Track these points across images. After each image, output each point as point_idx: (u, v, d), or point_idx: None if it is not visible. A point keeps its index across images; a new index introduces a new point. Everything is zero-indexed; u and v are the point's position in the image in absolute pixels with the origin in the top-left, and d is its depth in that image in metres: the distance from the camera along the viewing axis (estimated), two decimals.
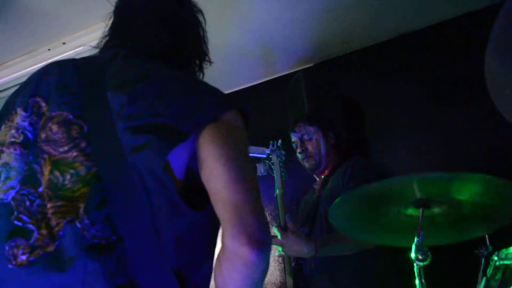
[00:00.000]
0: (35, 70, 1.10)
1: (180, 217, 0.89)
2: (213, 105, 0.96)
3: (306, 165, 2.35)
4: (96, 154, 0.89)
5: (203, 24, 1.23)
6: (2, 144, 0.96)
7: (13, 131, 0.96)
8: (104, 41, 1.17)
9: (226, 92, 3.52)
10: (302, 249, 1.91)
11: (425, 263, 1.43)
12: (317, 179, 2.38)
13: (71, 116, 0.93)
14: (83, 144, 0.91)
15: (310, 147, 2.33)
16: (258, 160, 2.35)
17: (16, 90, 1.06)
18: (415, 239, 1.45)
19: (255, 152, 2.17)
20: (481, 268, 1.73)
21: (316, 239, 1.95)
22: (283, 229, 1.96)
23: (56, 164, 0.90)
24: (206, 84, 1.02)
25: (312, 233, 2.16)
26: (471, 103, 2.54)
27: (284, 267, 2.06)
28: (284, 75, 3.29)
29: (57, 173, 0.89)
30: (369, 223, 1.76)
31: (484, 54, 0.83)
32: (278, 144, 2.18)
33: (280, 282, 3.04)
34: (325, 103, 2.82)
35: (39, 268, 0.83)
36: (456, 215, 1.62)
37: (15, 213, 0.87)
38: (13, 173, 0.92)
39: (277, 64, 3.21)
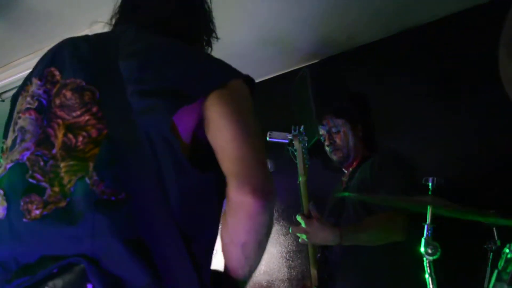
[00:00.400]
0: None
1: (185, 176, 0.93)
2: (221, 72, 1.01)
3: (334, 157, 2.33)
4: (107, 118, 0.94)
5: (209, 3, 1.28)
6: (19, 112, 1.02)
7: (28, 99, 1.02)
8: (114, 18, 1.22)
9: None
10: (327, 236, 1.88)
11: (435, 257, 1.43)
12: (345, 171, 2.37)
13: (84, 83, 0.98)
14: (94, 109, 0.95)
15: (338, 140, 2.31)
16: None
17: (33, 68, 1.12)
18: (424, 233, 1.46)
19: (278, 137, 2.12)
20: (489, 263, 1.73)
21: (341, 227, 1.92)
22: (307, 217, 1.94)
23: (69, 127, 0.95)
24: (214, 57, 1.07)
25: (338, 224, 2.10)
26: (479, 97, 2.52)
27: (308, 258, 2.04)
28: (290, 71, 3.29)
29: (70, 136, 0.94)
30: None
31: (493, 48, 0.82)
32: (301, 130, 2.14)
33: (287, 278, 3.04)
34: (331, 99, 2.80)
35: (52, 221, 0.87)
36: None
37: (30, 171, 0.92)
38: (28, 136, 0.97)
39: (282, 60, 3.21)
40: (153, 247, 0.86)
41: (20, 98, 1.07)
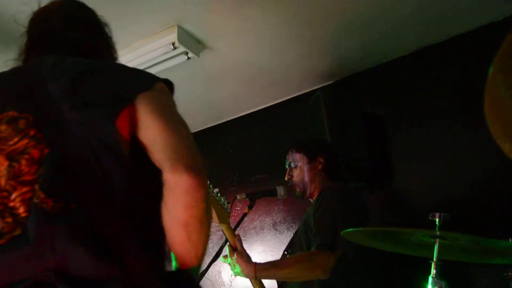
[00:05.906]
0: None
1: (131, 176, 1.00)
2: (145, 77, 1.13)
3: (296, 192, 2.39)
4: (47, 137, 0.98)
5: (104, 24, 1.35)
6: None
7: None
8: (25, 53, 1.26)
9: (248, 112, 3.53)
10: (243, 269, 2.00)
11: None
12: (311, 200, 2.38)
13: (16, 113, 1.02)
14: (32, 132, 0.99)
15: (295, 175, 2.36)
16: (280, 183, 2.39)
17: None
18: (432, 271, 1.41)
19: None
20: None
21: (257, 262, 2.02)
22: (233, 249, 2.07)
23: (9, 156, 0.98)
24: (135, 68, 1.19)
25: None
26: None
27: None
28: (304, 93, 3.28)
29: (13, 163, 0.97)
30: (384, 243, 1.75)
31: None
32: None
33: None
34: (345, 121, 2.77)
35: (9, 248, 0.90)
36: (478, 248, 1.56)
37: None
38: None
39: (297, 82, 3.20)
40: (111, 244, 0.90)
41: None
